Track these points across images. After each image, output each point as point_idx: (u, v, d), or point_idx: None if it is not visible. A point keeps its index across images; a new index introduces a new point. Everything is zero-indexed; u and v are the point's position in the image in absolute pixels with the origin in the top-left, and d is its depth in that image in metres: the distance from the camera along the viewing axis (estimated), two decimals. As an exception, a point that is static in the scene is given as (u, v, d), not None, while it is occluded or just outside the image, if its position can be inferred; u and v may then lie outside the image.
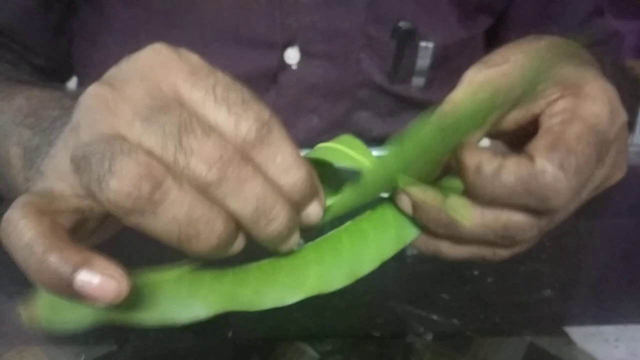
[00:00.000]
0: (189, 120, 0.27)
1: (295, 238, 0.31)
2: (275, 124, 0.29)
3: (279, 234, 0.29)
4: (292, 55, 0.64)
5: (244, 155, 0.28)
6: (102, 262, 0.25)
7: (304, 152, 0.34)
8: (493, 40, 0.74)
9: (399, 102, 0.68)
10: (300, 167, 0.29)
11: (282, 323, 0.42)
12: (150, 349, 0.41)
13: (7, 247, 0.26)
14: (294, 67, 0.64)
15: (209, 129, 0.27)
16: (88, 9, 0.65)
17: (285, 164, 0.29)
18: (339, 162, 0.35)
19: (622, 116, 0.35)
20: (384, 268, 0.47)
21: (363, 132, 0.68)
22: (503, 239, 0.34)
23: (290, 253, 0.32)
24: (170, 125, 0.27)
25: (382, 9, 0.63)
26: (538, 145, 0.32)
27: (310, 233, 0.33)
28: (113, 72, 0.30)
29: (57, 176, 0.29)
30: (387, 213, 0.35)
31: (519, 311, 0.46)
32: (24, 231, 0.25)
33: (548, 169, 0.31)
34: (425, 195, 0.34)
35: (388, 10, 0.64)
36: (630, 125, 0.69)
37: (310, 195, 0.30)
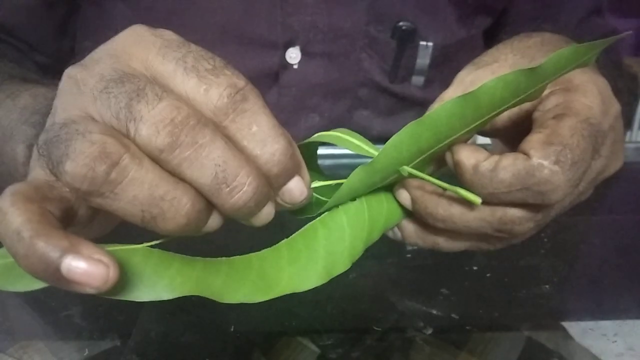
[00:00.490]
0: (142, 87, 0.26)
1: (268, 212, 0.29)
2: (251, 91, 0.27)
3: (245, 204, 0.27)
4: (293, 55, 0.64)
5: (206, 121, 0.26)
6: (90, 247, 0.24)
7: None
8: (492, 39, 0.74)
9: (398, 101, 0.68)
10: (279, 138, 0.27)
11: (283, 318, 0.42)
12: (153, 343, 0.42)
13: None
14: (295, 66, 0.64)
15: (162, 93, 0.26)
16: (90, 7, 0.65)
17: (262, 134, 0.27)
18: (345, 147, 0.35)
19: (615, 106, 0.35)
20: (384, 263, 0.48)
21: (363, 130, 0.68)
22: (499, 232, 0.34)
23: (262, 252, 0.31)
24: (124, 94, 0.26)
25: (382, 9, 0.64)
26: (533, 141, 0.32)
27: (301, 215, 0.32)
28: (90, 55, 0.29)
29: (38, 164, 0.28)
30: (362, 209, 0.34)
31: (518, 306, 0.46)
32: (12, 218, 0.25)
33: (544, 164, 0.31)
34: (424, 188, 0.34)
35: (388, 11, 0.64)
36: (629, 122, 0.70)
37: (291, 169, 0.28)
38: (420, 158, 0.32)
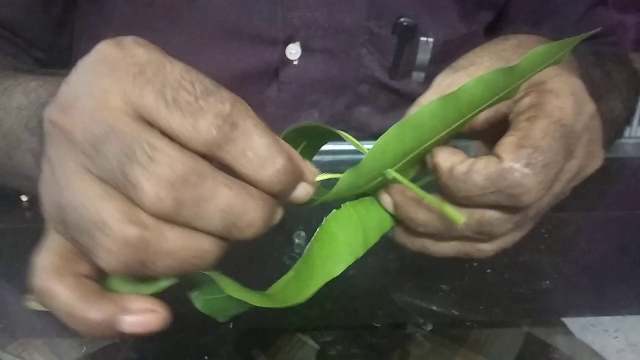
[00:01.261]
0: (131, 147, 0.25)
1: (277, 218, 0.30)
2: (240, 113, 0.27)
3: (257, 232, 0.28)
4: (293, 51, 0.64)
5: (203, 169, 0.26)
6: (137, 302, 0.28)
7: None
8: (493, 34, 0.74)
9: (399, 97, 0.68)
10: (277, 157, 0.27)
11: (282, 314, 0.42)
12: (152, 340, 0.42)
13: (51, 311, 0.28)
14: (296, 62, 0.64)
15: (152, 151, 0.25)
16: (88, 4, 0.65)
17: (259, 158, 0.27)
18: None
19: (590, 106, 0.35)
20: (385, 260, 0.48)
21: (363, 127, 0.69)
22: (480, 234, 0.35)
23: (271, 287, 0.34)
24: (115, 159, 0.26)
25: (383, 5, 0.64)
26: (506, 144, 0.32)
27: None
28: (64, 92, 0.28)
29: (52, 226, 0.29)
30: (352, 214, 0.35)
31: (518, 302, 0.46)
32: (56, 300, 0.27)
33: (516, 168, 0.31)
34: (406, 193, 0.35)
35: (389, 7, 0.64)
36: (630, 118, 0.69)
37: (293, 181, 0.29)
38: (405, 160, 0.33)
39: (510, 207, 0.33)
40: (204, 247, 0.27)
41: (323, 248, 0.33)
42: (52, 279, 0.28)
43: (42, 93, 0.45)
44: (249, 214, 0.27)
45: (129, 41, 0.28)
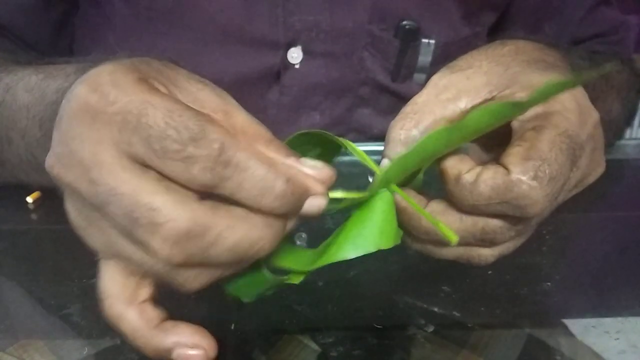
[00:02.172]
0: (133, 211, 0.27)
1: (289, 228, 0.31)
2: (230, 149, 0.27)
3: (267, 253, 0.30)
4: (295, 55, 0.64)
5: (207, 220, 0.27)
6: (189, 337, 0.31)
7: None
8: (496, 34, 0.74)
9: (400, 99, 0.68)
10: (274, 183, 0.28)
11: (283, 316, 0.42)
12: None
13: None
14: (297, 66, 0.64)
15: (153, 212, 0.27)
16: (89, 7, 0.65)
17: (257, 189, 0.28)
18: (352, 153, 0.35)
19: (593, 115, 0.36)
20: (386, 261, 0.48)
21: (364, 129, 0.69)
22: (482, 242, 0.35)
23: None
24: (120, 221, 0.27)
25: (385, 8, 0.64)
26: (512, 154, 0.33)
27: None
28: (59, 143, 0.29)
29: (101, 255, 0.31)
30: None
31: (519, 304, 0.46)
32: (124, 327, 0.31)
33: (523, 180, 0.32)
34: (407, 205, 0.35)
35: (391, 9, 0.64)
36: (631, 118, 0.69)
37: (297, 200, 0.29)
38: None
39: (514, 217, 0.33)
40: (216, 275, 0.30)
41: (354, 226, 0.33)
42: (120, 307, 0.31)
43: (45, 89, 0.45)
44: (257, 243, 0.29)
45: (105, 83, 0.28)
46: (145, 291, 0.32)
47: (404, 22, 0.64)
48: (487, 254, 0.36)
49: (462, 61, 0.39)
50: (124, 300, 0.31)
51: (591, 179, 0.37)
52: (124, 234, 0.28)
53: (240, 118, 0.31)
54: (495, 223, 0.34)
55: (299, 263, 0.34)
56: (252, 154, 0.28)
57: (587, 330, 0.43)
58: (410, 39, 0.65)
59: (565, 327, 0.44)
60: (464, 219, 0.34)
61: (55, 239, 0.50)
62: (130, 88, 0.28)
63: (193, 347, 0.31)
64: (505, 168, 0.32)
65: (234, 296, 0.35)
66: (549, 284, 0.47)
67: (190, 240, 0.27)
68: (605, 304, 0.46)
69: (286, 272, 0.34)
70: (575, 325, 0.44)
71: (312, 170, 0.30)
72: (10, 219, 0.54)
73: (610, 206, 0.60)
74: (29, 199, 0.54)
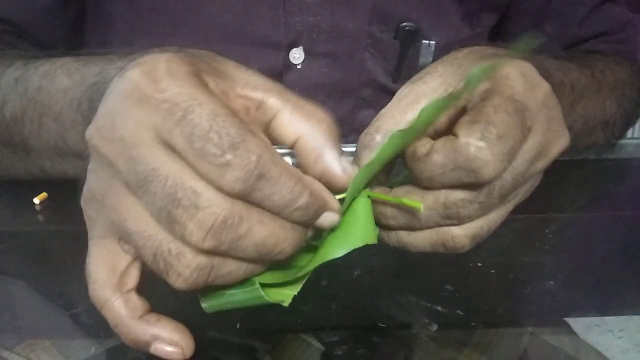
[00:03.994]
0: (173, 190, 0.28)
1: (309, 235, 0.33)
2: (266, 164, 0.28)
3: (287, 256, 0.32)
4: (296, 55, 0.64)
5: (240, 213, 0.29)
6: (169, 333, 0.33)
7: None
8: (498, 35, 0.74)
9: (401, 100, 0.68)
10: (300, 197, 0.30)
11: (287, 315, 0.43)
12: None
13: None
14: (299, 66, 0.65)
15: (196, 195, 0.28)
16: (93, 8, 0.65)
17: (284, 200, 0.29)
18: None
19: (543, 85, 0.37)
20: (389, 260, 0.48)
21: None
22: (449, 219, 0.36)
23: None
24: (159, 199, 0.29)
25: (385, 9, 0.64)
26: (461, 122, 0.34)
27: None
28: (102, 115, 0.30)
29: (95, 234, 0.33)
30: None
31: (522, 302, 0.46)
32: (109, 313, 0.33)
33: (470, 142, 0.33)
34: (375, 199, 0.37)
35: (392, 11, 0.64)
36: (633, 117, 0.69)
37: (316, 213, 0.32)
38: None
39: (472, 185, 0.34)
40: (239, 273, 0.32)
41: (340, 228, 0.35)
42: (107, 293, 0.32)
43: (86, 72, 0.45)
44: (281, 244, 0.31)
45: (159, 70, 0.29)
46: (132, 280, 0.33)
47: (404, 24, 0.64)
48: (460, 234, 0.36)
49: (421, 72, 0.40)
50: (110, 286, 0.33)
51: (554, 150, 0.37)
52: (156, 214, 0.29)
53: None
54: (455, 195, 0.35)
55: (286, 275, 0.36)
56: (284, 168, 0.29)
57: (590, 328, 0.43)
58: (410, 40, 0.65)
59: (568, 326, 0.44)
60: (426, 196, 0.35)
61: (62, 239, 0.51)
62: (182, 80, 0.29)
63: (171, 344, 0.33)
64: (455, 136, 0.34)
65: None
66: (551, 282, 0.47)
67: (224, 228, 0.28)
68: (608, 303, 0.46)
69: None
70: (578, 323, 0.44)
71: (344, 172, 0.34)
72: (17, 220, 0.54)
73: (613, 205, 0.60)
74: (36, 200, 0.54)
